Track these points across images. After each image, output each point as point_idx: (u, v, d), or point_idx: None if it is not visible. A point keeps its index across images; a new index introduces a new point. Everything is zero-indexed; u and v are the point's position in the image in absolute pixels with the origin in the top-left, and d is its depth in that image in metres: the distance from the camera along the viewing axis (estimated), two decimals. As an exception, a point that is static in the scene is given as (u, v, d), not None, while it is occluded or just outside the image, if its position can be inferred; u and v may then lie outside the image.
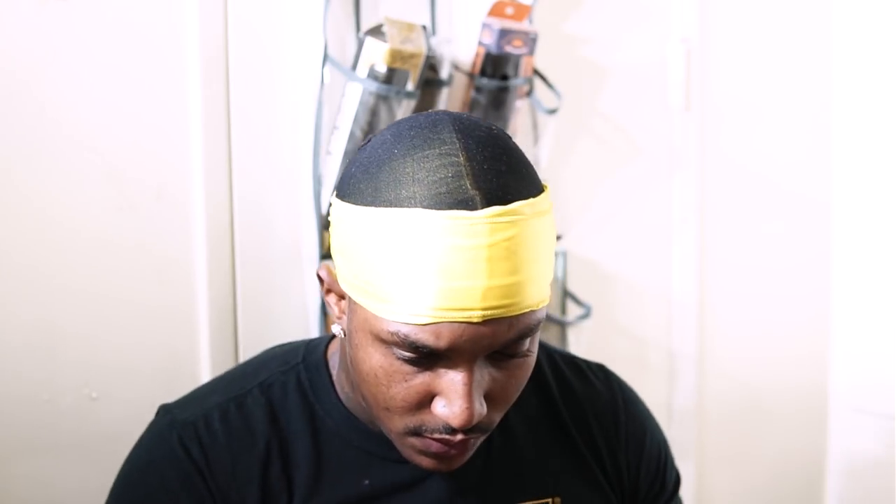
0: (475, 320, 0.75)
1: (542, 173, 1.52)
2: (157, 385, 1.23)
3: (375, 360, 0.80)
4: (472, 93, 1.41)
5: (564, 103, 1.49)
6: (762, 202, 1.84)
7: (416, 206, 0.75)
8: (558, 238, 1.53)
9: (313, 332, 1.32)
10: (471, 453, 0.85)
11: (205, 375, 1.26)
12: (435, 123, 0.80)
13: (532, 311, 0.79)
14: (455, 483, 0.92)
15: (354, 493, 0.90)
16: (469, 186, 0.75)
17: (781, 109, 1.86)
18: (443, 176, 0.76)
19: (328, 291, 0.87)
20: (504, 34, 1.36)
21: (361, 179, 0.79)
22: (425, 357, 0.78)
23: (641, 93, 1.68)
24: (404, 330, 0.76)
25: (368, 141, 0.84)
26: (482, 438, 0.85)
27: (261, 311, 1.31)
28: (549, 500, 0.95)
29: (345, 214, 0.80)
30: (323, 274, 0.87)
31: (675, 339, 1.75)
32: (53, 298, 1.17)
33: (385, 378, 0.80)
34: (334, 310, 0.87)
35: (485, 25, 1.38)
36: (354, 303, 0.81)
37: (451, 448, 0.82)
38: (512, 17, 1.39)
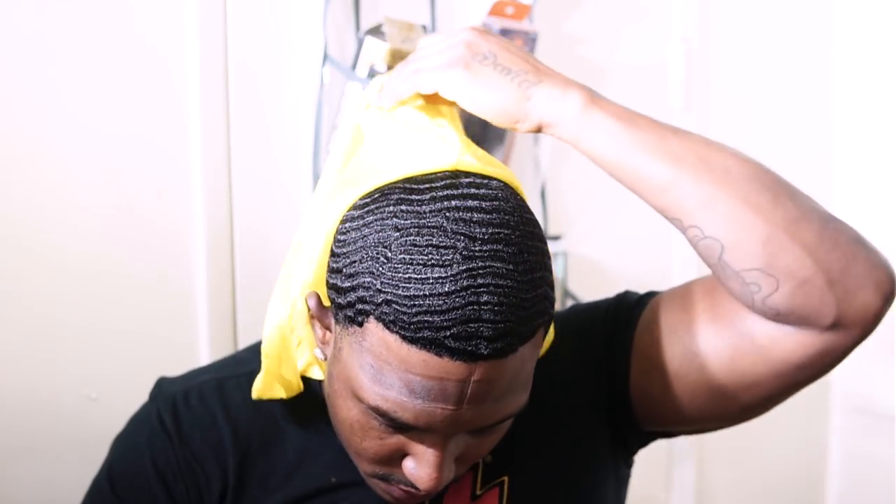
0: (454, 408, 0.75)
1: (543, 173, 1.52)
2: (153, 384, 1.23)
3: (353, 414, 0.80)
4: (472, 93, 1.41)
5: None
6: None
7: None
8: (558, 238, 1.53)
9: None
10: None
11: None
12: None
13: (518, 394, 0.78)
14: None
15: (322, 486, 0.91)
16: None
17: (781, 109, 1.87)
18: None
19: (313, 318, 0.86)
20: (504, 34, 1.36)
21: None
22: (402, 427, 0.78)
23: (641, 93, 1.68)
24: (383, 406, 0.76)
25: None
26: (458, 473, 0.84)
27: (261, 310, 1.31)
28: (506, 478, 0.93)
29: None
30: (311, 303, 0.83)
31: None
32: (54, 298, 1.17)
33: (360, 432, 0.80)
34: (318, 334, 0.86)
35: (485, 25, 1.38)
36: (340, 351, 0.79)
37: (415, 497, 0.83)
38: (512, 17, 1.39)
